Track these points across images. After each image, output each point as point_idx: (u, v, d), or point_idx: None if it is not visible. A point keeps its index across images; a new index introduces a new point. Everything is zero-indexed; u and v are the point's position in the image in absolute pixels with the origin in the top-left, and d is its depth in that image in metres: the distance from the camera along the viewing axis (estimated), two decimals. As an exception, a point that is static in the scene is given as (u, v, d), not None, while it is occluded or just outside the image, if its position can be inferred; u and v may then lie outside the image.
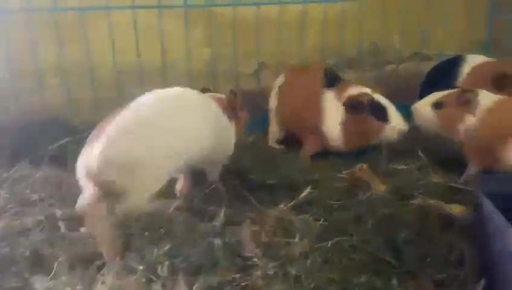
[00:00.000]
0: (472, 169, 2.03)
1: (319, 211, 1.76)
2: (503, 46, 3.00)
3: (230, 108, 1.97)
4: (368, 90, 2.23)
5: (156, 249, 1.48)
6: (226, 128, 1.92)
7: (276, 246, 1.54)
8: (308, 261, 1.44)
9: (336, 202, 1.82)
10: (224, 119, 1.90)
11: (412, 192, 1.88)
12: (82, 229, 1.63)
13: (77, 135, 2.51)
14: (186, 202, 1.78)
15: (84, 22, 2.60)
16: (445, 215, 1.71)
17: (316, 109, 2.30)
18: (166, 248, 1.48)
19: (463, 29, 2.94)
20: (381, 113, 2.19)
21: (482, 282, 1.34)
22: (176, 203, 1.73)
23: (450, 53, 3.16)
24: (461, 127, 1.98)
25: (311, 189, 1.90)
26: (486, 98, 1.96)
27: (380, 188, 1.93)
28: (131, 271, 1.42)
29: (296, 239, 1.55)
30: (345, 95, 2.23)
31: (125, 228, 1.58)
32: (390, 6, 2.82)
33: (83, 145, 2.41)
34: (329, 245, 1.52)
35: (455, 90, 2.06)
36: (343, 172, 2.11)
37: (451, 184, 1.91)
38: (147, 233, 1.56)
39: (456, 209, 1.72)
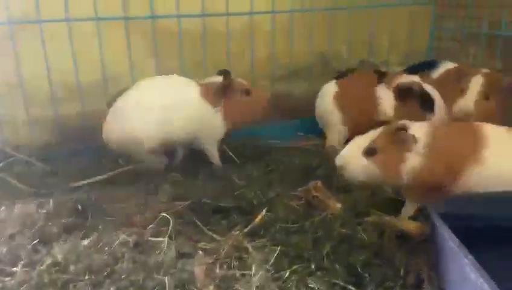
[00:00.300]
0: (411, 208, 1.83)
1: (276, 235, 1.69)
2: (443, 54, 3.10)
3: (219, 94, 2.20)
4: (418, 79, 2.31)
5: (99, 294, 1.35)
6: (208, 114, 2.20)
7: (231, 279, 1.45)
8: (266, 295, 1.36)
9: (292, 225, 1.76)
10: (206, 107, 2.19)
11: (366, 209, 1.87)
12: None
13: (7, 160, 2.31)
14: (134, 236, 1.65)
15: (13, 36, 2.37)
16: (400, 232, 1.71)
17: (374, 103, 2.40)
18: (111, 292, 1.35)
19: (407, 38, 3.01)
20: (428, 103, 2.22)
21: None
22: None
23: (395, 61, 3.27)
24: (404, 169, 1.68)
25: (267, 211, 1.83)
26: (420, 130, 1.70)
27: (335, 206, 1.89)
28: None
29: (252, 270, 1.47)
30: (395, 83, 2.34)
31: (61, 272, 1.42)
32: (336, 17, 2.83)
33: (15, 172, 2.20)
34: (287, 275, 1.46)
35: (382, 128, 1.75)
36: (299, 189, 2.06)
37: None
38: (87, 277, 1.41)
39: (410, 226, 1.71)
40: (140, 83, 2.19)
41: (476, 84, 2.25)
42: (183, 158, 2.39)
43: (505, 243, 1.40)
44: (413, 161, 1.68)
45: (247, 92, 2.26)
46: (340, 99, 2.54)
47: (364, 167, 1.72)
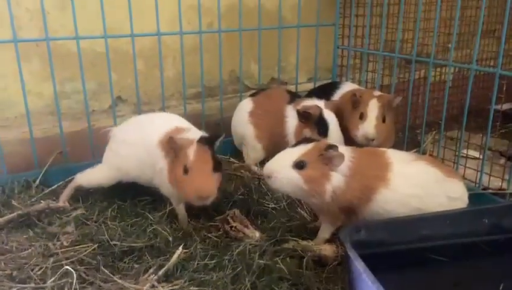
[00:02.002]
0: (328, 231, 1.86)
1: (194, 275, 1.62)
2: (346, 70, 3.27)
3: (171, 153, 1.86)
4: (322, 104, 2.39)
5: None
6: (158, 166, 1.93)
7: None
8: None
9: (211, 261, 1.70)
10: (158, 155, 1.93)
11: (284, 235, 1.88)
12: None
13: None
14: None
15: None
16: (317, 256, 1.74)
17: (282, 121, 2.51)
18: None
19: (313, 56, 3.12)
20: (323, 128, 2.32)
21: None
22: None
23: (304, 78, 3.38)
24: (329, 188, 1.71)
25: (184, 247, 1.75)
26: (347, 153, 1.76)
27: (254, 235, 1.87)
28: None
29: (171, 319, 1.39)
30: (300, 106, 2.42)
31: None
32: (246, 36, 2.83)
33: None
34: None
35: (312, 144, 1.76)
36: (215, 219, 2.01)
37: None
38: None
39: (326, 251, 1.75)
40: (135, 117, 2.24)
41: (374, 108, 2.40)
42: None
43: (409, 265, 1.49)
44: (337, 181, 1.72)
45: (185, 170, 1.76)
46: (255, 115, 2.60)
47: (291, 179, 1.71)
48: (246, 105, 2.67)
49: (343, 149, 1.75)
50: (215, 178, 1.79)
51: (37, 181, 2.26)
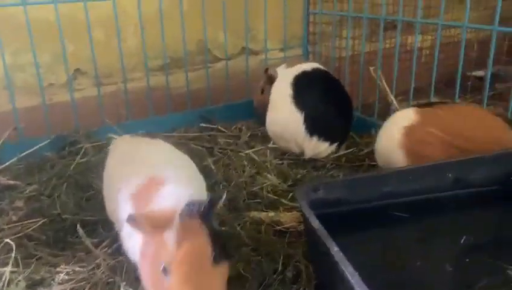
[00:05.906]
0: None
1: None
2: (317, 38, 3.17)
3: None
4: None
5: None
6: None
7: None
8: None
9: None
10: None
11: (244, 204, 1.80)
12: None
13: None
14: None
15: None
16: (278, 226, 1.67)
17: None
18: None
19: (283, 23, 3.00)
20: None
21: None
22: None
23: (275, 46, 3.26)
24: None
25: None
26: None
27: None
28: None
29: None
30: None
31: None
32: (209, 3, 2.70)
33: None
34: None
35: None
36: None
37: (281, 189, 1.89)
38: None
39: (286, 219, 1.69)
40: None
41: None
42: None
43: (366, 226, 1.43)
44: None
45: (164, 270, 1.01)
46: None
47: None
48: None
49: None
50: (218, 280, 1.03)
51: (-11, 158, 2.14)
